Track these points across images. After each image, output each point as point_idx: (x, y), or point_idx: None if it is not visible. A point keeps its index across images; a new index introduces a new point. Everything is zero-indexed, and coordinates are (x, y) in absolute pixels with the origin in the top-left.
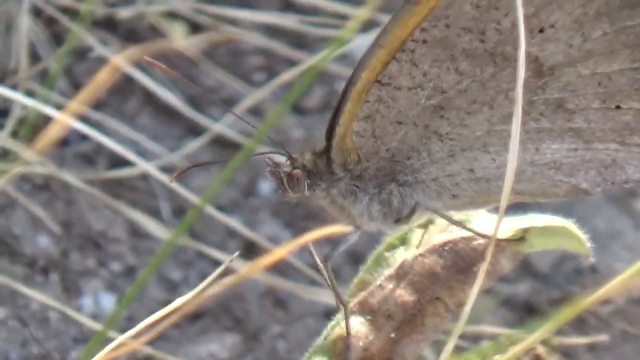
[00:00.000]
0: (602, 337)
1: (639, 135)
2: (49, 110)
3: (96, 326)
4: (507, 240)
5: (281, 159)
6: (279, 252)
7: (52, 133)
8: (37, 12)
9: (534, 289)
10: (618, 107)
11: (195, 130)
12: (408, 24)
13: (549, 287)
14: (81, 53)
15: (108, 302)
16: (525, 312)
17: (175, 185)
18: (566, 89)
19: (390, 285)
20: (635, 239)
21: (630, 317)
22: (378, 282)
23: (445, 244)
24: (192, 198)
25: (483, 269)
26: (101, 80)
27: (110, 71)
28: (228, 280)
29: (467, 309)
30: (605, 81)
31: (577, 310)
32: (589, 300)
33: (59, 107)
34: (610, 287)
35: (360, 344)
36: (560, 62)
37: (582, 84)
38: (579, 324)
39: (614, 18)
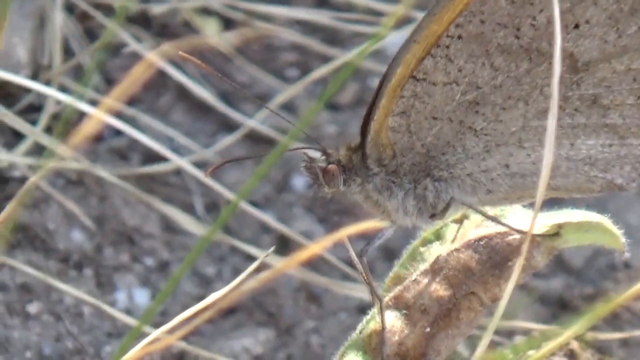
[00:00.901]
0: (636, 333)
1: None
2: (83, 106)
3: (130, 321)
4: (542, 236)
5: (316, 154)
6: (314, 248)
7: (86, 129)
8: (70, 8)
9: (567, 284)
10: None
11: (228, 126)
12: (443, 20)
13: (583, 283)
14: (115, 49)
15: (142, 297)
16: (559, 308)
17: (209, 181)
18: (601, 84)
19: (426, 280)
20: None
21: None
22: (413, 277)
23: (480, 239)
24: (226, 193)
25: (518, 264)
26: (135, 76)
27: (144, 67)
28: (263, 275)
29: (502, 303)
30: None
31: (611, 306)
32: (623, 296)
33: (92, 102)
34: None
35: (396, 338)
36: (595, 58)
37: (617, 80)
38: (613, 320)
39: None
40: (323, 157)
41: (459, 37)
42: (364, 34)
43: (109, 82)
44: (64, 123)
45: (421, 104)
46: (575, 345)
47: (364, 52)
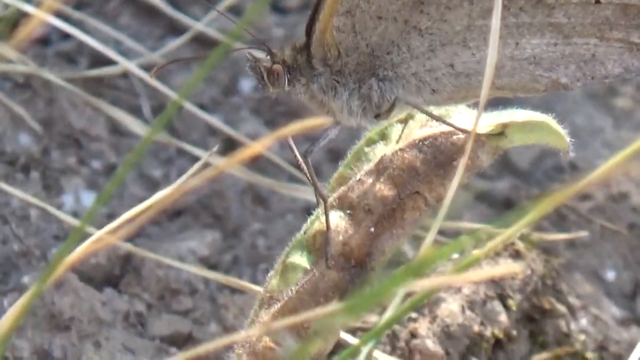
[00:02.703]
0: (582, 234)
1: (618, 30)
2: (28, 8)
3: (76, 223)
4: (487, 135)
5: (262, 54)
6: (257, 147)
7: (29, 29)
8: None
9: (513, 185)
10: (598, 1)
11: (176, 29)
12: None
13: (529, 184)
14: None
15: (88, 199)
16: (505, 208)
17: (156, 83)
18: None
19: (370, 180)
20: (615, 136)
21: (610, 214)
22: (357, 177)
23: (424, 138)
24: (173, 95)
25: (462, 163)
26: None
27: None
28: (206, 173)
29: (446, 202)
30: None
31: (555, 203)
32: (567, 194)
33: (40, 5)
34: (588, 182)
35: (340, 238)
36: None
37: None
38: (559, 221)
39: None
40: (268, 57)
41: None
42: None
43: None
44: (8, 24)
45: (366, 3)
46: (520, 246)
47: None
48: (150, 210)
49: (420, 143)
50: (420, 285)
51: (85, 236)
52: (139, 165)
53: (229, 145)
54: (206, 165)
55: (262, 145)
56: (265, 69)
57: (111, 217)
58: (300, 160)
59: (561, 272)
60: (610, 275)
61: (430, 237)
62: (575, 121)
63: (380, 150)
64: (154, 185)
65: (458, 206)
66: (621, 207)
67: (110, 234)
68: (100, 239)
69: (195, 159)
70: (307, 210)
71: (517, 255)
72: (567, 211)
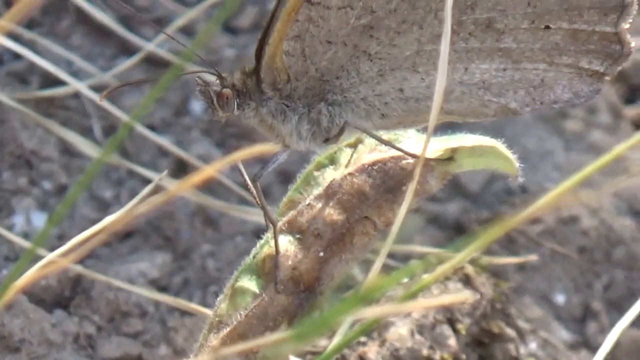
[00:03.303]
0: (532, 257)
1: (567, 56)
2: None
3: (27, 245)
4: (436, 160)
5: (211, 78)
6: (209, 170)
7: None
8: None
9: (463, 208)
10: (547, 27)
11: (128, 50)
12: None
13: (479, 207)
14: None
15: (39, 220)
16: (455, 232)
17: (107, 105)
18: (495, 8)
19: (319, 205)
20: (565, 159)
21: (560, 237)
22: (307, 201)
23: (374, 163)
24: (124, 117)
25: (411, 188)
26: None
27: None
28: (158, 198)
29: (395, 228)
30: (535, 1)
31: (505, 228)
32: (517, 218)
33: None
34: (539, 206)
35: (289, 262)
36: None
37: (512, 4)
38: (509, 244)
39: None
40: (217, 81)
41: None
42: None
43: (9, 5)
44: None
45: (316, 28)
46: (470, 269)
47: None
48: (101, 234)
49: (370, 168)
50: (370, 312)
51: (36, 258)
52: (89, 187)
53: (180, 167)
54: (157, 188)
55: (214, 169)
56: (214, 93)
57: (62, 238)
58: (250, 184)
59: (511, 296)
60: (560, 298)
61: (379, 261)
62: (525, 144)
63: (330, 175)
64: (104, 207)
65: (408, 230)
66: (571, 231)
67: (61, 256)
68: (51, 262)
69: (146, 180)
70: (257, 232)
71: (466, 279)
72: (517, 234)
